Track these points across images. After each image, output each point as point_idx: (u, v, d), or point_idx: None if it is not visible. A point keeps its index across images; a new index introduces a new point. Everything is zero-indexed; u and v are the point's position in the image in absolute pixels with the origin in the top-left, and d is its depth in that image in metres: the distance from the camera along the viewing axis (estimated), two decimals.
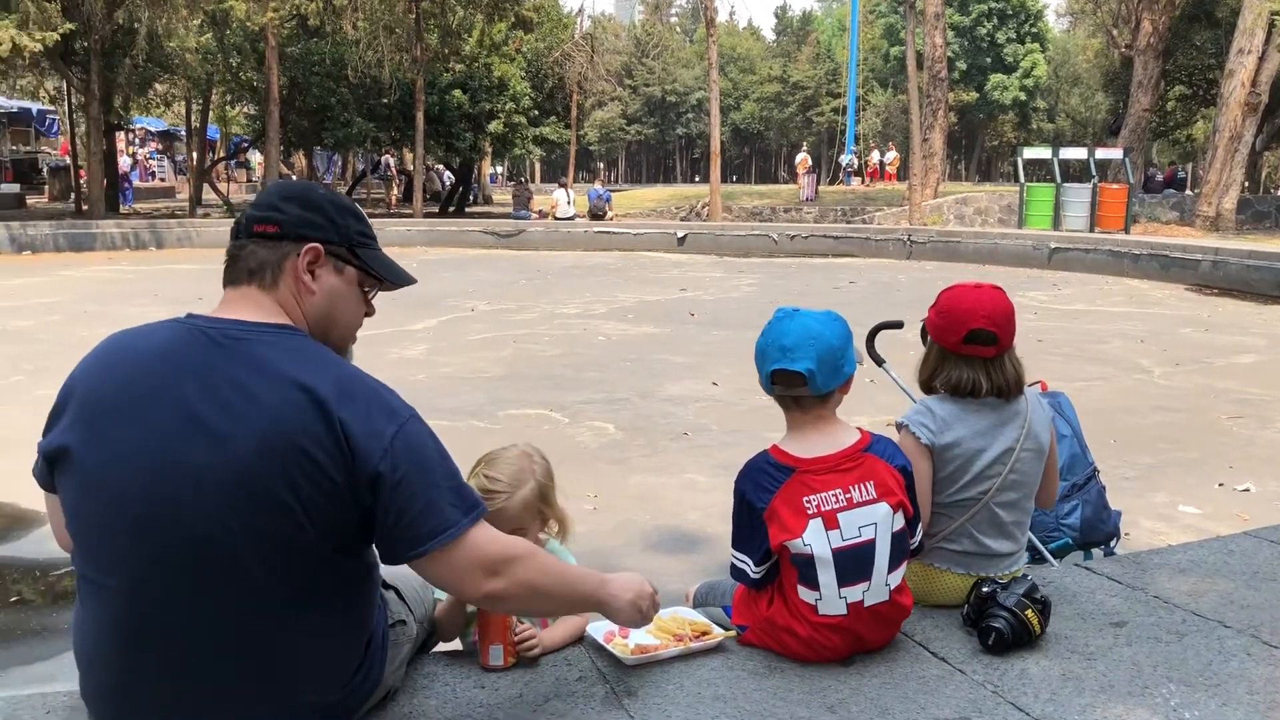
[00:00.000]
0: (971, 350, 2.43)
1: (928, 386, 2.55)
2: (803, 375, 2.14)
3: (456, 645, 2.40)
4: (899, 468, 2.26)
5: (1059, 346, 9.71)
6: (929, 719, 2.00)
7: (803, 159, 33.69)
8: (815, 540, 2.13)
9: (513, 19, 26.61)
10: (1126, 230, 21.32)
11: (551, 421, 6.97)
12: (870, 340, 3.64)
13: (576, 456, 6.13)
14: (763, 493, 2.17)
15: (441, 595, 2.29)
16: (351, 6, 24.08)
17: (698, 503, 5.32)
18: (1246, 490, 5.30)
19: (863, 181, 34.73)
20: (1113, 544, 3.41)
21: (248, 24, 22.54)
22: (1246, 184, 26.45)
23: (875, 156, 36.31)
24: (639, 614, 1.99)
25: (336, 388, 1.66)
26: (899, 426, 2.51)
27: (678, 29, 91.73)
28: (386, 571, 1.98)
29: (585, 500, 5.20)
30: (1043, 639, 2.30)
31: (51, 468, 1.72)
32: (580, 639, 2.36)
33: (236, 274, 1.77)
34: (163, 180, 41.85)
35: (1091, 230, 21.17)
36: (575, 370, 8.79)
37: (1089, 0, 38.45)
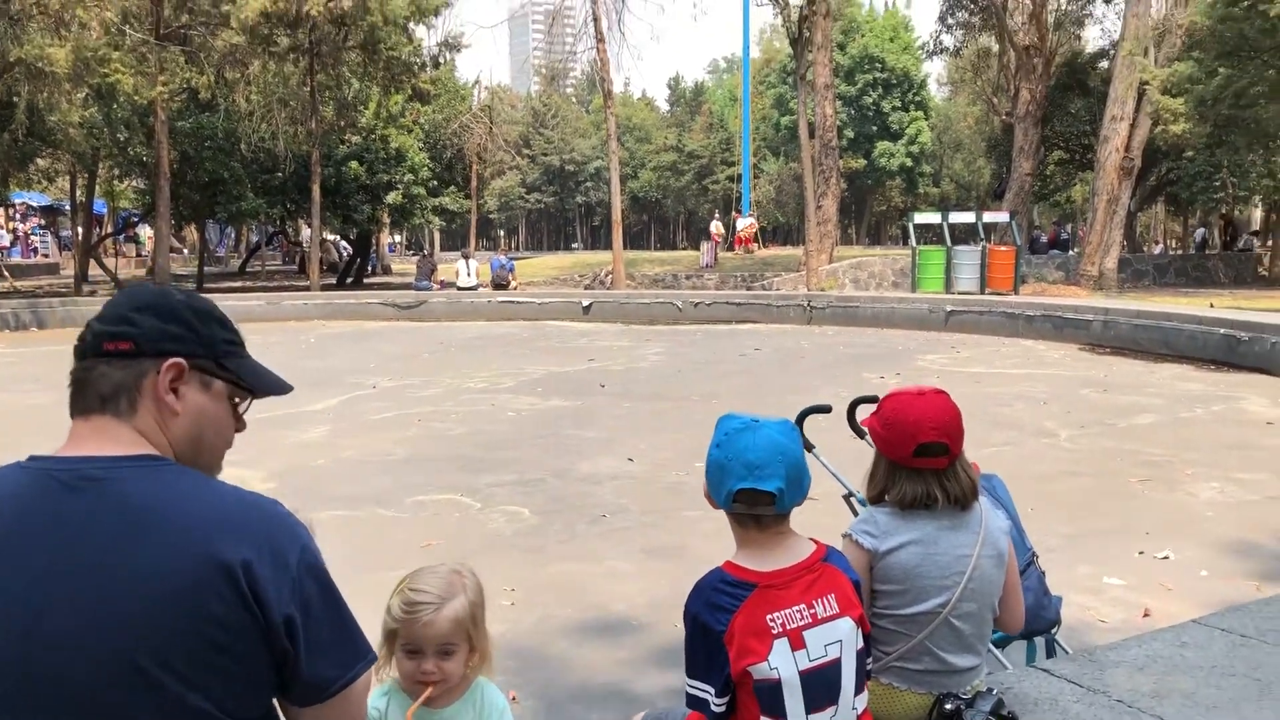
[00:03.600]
0: (923, 463, 2.32)
1: (877, 502, 2.43)
2: (772, 495, 2.00)
3: None
4: (853, 581, 2.13)
5: (965, 412, 9.73)
6: None
7: (716, 228, 34.29)
8: (782, 662, 1.96)
9: (410, 91, 26.52)
10: (1016, 290, 21.99)
11: (462, 508, 6.70)
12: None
13: (491, 545, 5.88)
14: (720, 613, 2.00)
15: None
16: (244, 80, 23.68)
17: (621, 592, 5.12)
18: (1166, 558, 5.33)
19: (731, 249, 34.89)
20: (1054, 631, 3.33)
21: (135, 98, 21.96)
22: (1125, 243, 27.65)
23: (740, 223, 36.69)
24: None
25: (225, 523, 1.44)
26: (844, 536, 2.39)
27: (573, 99, 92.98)
28: None
29: (503, 595, 4.96)
30: None
31: None
32: None
33: (87, 401, 1.52)
34: (46, 256, 40.32)
35: (983, 291, 21.78)
36: (485, 449, 8.53)
37: (968, 70, 40.25)
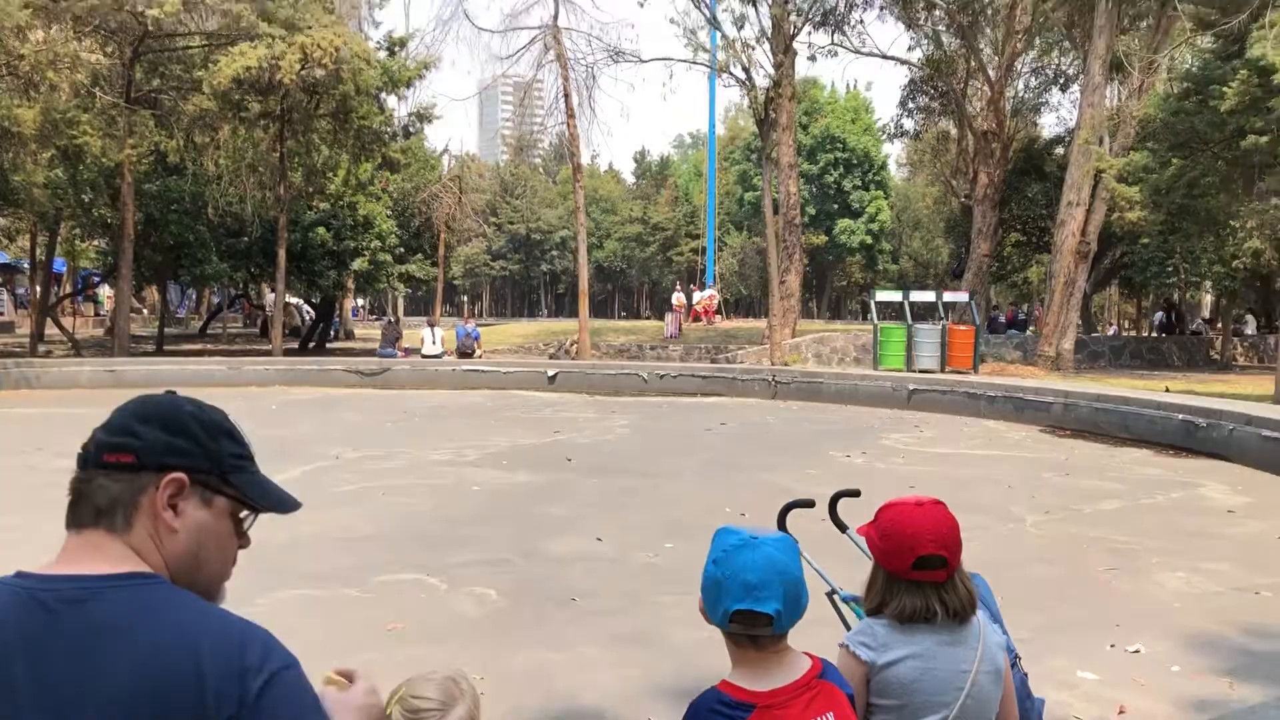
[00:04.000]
0: (922, 576, 2.31)
1: (876, 614, 2.42)
2: (770, 617, 1.98)
3: None
4: (848, 695, 2.10)
5: (930, 494, 9.84)
6: None
7: (680, 300, 34.59)
8: None
9: (379, 159, 26.66)
10: (975, 369, 22.29)
11: (428, 589, 6.59)
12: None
13: (458, 629, 5.78)
14: None
15: None
16: (213, 144, 23.69)
17: (592, 681, 5.03)
18: (1137, 652, 5.34)
19: (695, 319, 35.07)
20: None
21: (103, 160, 21.88)
22: (1080, 324, 28.18)
23: (699, 295, 36.99)
24: None
25: (203, 650, 1.40)
26: (841, 647, 2.37)
27: (541, 170, 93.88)
28: None
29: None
30: None
31: None
32: None
33: (81, 515, 1.48)
34: (1, 315, 39.71)
35: (943, 369, 22.06)
36: (450, 526, 8.43)
37: (928, 153, 41.21)
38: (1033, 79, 34.61)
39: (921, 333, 23.03)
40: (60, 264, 33.46)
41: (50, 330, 28.48)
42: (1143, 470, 11.62)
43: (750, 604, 1.97)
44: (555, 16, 25.63)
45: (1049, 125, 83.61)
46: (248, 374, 21.64)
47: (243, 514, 1.59)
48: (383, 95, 26.28)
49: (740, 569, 1.99)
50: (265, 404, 17.85)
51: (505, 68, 27.48)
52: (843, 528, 3.62)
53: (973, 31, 29.45)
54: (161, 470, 1.48)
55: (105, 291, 38.46)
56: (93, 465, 1.48)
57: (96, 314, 40.57)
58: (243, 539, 1.61)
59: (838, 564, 3.70)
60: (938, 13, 29.62)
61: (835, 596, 3.61)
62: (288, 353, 26.18)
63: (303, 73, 21.58)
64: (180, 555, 1.50)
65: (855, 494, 3.71)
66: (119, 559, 1.44)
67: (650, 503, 9.51)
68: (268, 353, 25.27)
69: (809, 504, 3.71)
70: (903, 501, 2.42)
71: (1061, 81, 34.10)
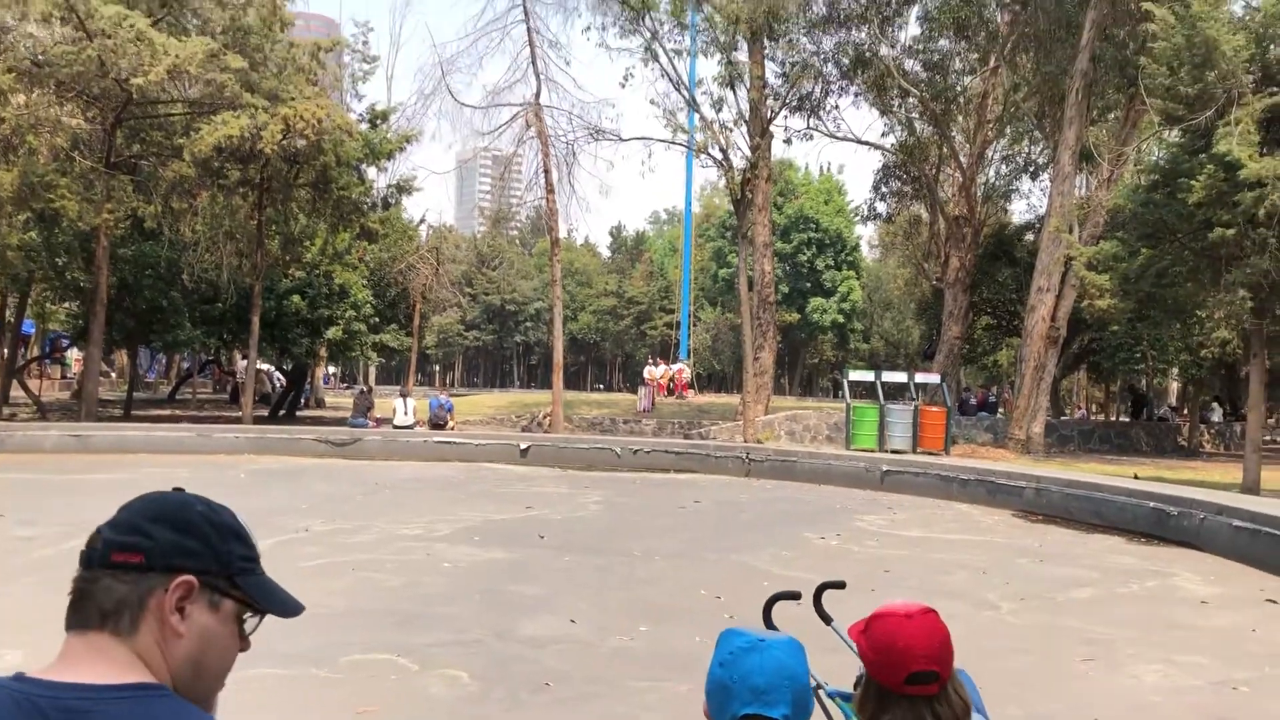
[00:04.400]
0: (914, 690, 2.29)
1: None
2: None
3: None
4: None
5: (905, 579, 9.83)
6: None
7: (651, 373, 34.73)
8: None
9: (358, 229, 26.76)
10: (946, 451, 22.40)
11: (399, 670, 6.46)
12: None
13: (430, 714, 5.65)
14: None
15: None
16: (191, 210, 23.72)
17: None
18: None
19: (669, 394, 35.14)
20: None
21: (79, 224, 21.83)
22: (1049, 408, 28.44)
23: (663, 369, 37.11)
24: None
25: None
26: None
27: (517, 242, 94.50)
28: None
29: None
30: None
31: None
32: None
33: (85, 616, 1.44)
34: None
35: (914, 450, 22.15)
36: (422, 604, 8.29)
37: (900, 235, 41.86)
38: (1004, 166, 35.40)
39: (894, 413, 23.16)
40: (29, 325, 33.16)
41: (15, 393, 28.10)
42: (1115, 558, 11.65)
43: (758, 708, 1.94)
44: (537, 95, 26.07)
45: (1019, 212, 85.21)
46: (217, 441, 21.39)
47: (246, 616, 1.57)
48: (363, 166, 26.51)
49: (748, 673, 1.96)
50: (234, 473, 17.62)
51: (486, 142, 27.79)
52: (827, 620, 3.60)
53: (945, 119, 30.17)
54: (169, 572, 1.45)
55: (73, 354, 38.06)
56: (98, 564, 1.44)
57: (64, 377, 40.08)
58: (244, 642, 1.58)
59: (819, 653, 3.66)
60: (911, 100, 30.34)
61: (821, 692, 3.57)
62: (258, 420, 25.92)
63: (284, 142, 21.74)
64: (184, 660, 1.46)
65: (840, 586, 3.69)
66: (124, 666, 1.41)
67: (624, 583, 9.42)
68: (237, 420, 25.02)
69: (795, 596, 3.68)
70: (894, 612, 2.39)
71: (1032, 170, 34.91)
